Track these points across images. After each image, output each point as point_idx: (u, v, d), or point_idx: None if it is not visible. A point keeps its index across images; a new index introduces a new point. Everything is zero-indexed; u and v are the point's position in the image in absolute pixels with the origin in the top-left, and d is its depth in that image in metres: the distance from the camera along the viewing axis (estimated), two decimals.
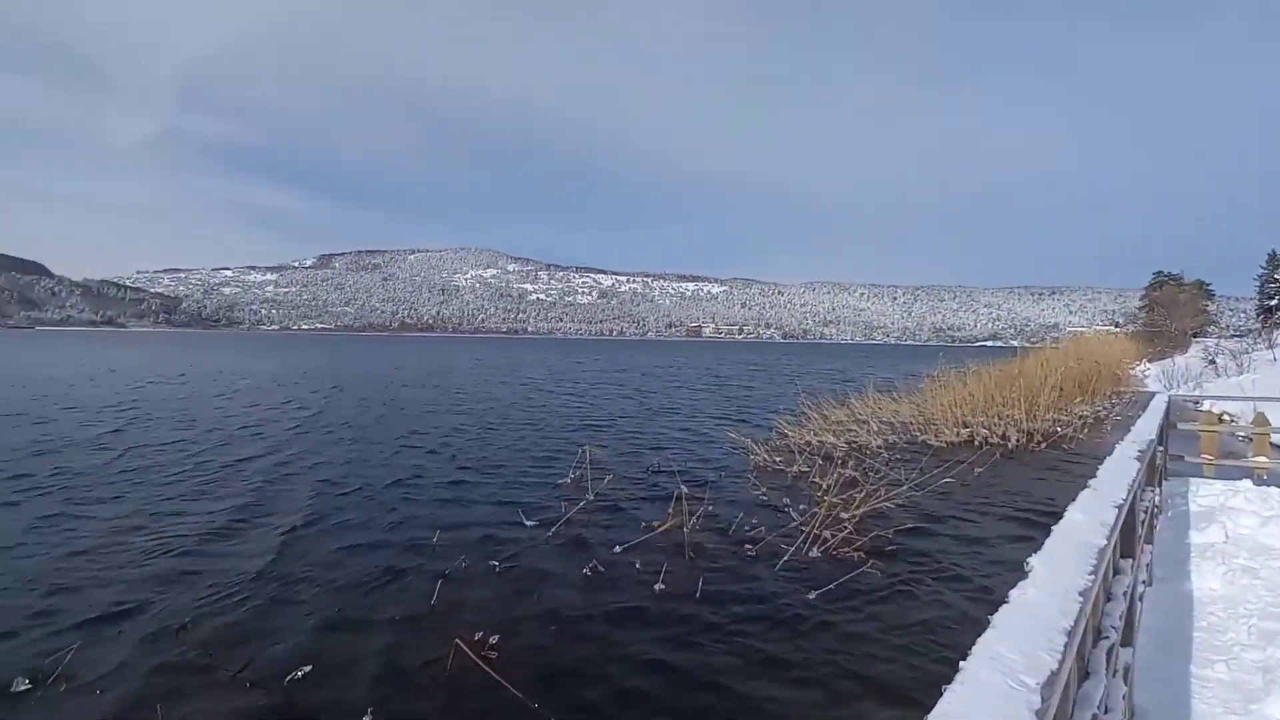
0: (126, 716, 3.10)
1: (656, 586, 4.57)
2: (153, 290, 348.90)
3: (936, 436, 10.25)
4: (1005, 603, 1.39)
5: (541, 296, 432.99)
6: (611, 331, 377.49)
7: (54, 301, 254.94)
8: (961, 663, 1.14)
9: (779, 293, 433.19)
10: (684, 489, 6.60)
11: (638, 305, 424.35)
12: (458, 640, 3.63)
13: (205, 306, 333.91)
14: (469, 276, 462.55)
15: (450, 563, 5.02)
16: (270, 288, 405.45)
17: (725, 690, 3.36)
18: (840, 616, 4.18)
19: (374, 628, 4.00)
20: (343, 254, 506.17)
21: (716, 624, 4.08)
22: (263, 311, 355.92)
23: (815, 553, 5.20)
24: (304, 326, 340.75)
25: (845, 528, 5.53)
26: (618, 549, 5.35)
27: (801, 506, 6.53)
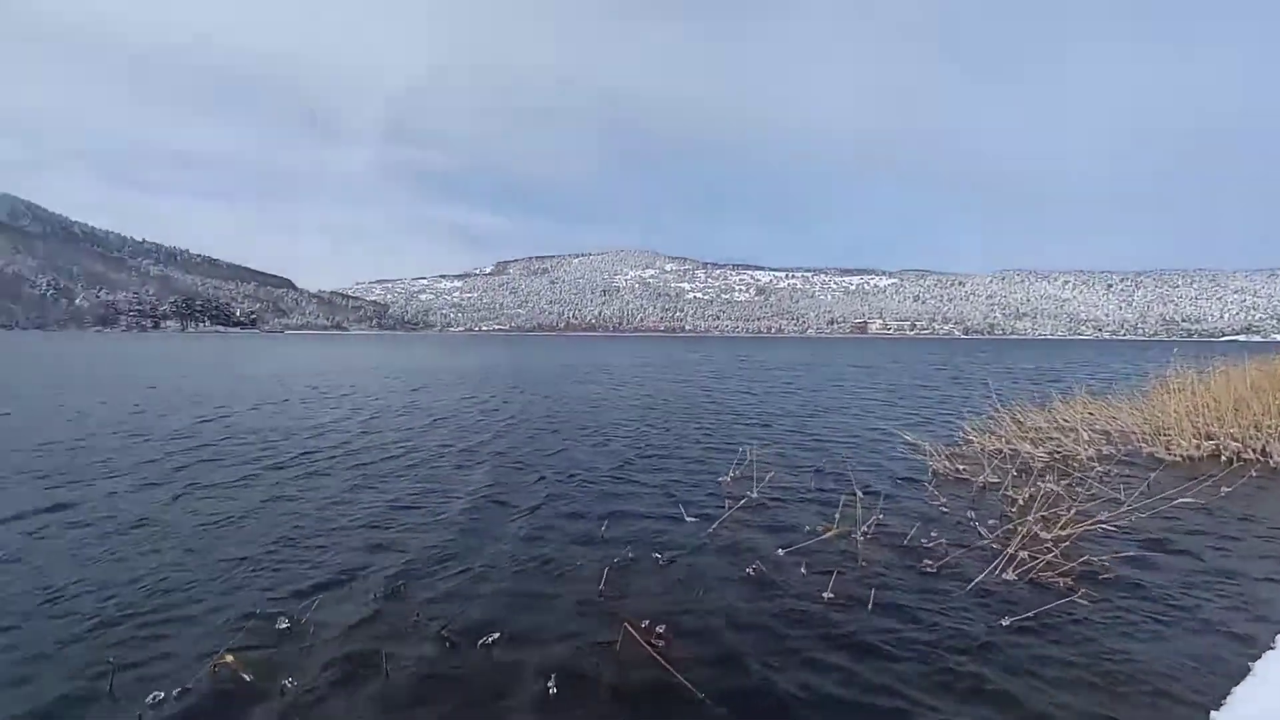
0: (357, 654, 3.69)
1: (825, 594, 4.42)
2: (367, 299, 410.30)
3: (1168, 449, 8.64)
4: (1271, 649, 1.16)
5: (698, 295, 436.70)
6: (769, 329, 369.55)
7: (297, 310, 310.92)
8: (1214, 713, 0.98)
9: (959, 284, 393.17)
10: (853, 493, 6.30)
11: (797, 302, 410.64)
12: (626, 624, 3.83)
13: (407, 311, 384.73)
14: (628, 277, 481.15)
15: (615, 551, 5.29)
16: (457, 294, 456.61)
17: (904, 710, 3.17)
18: (1040, 645, 3.73)
19: (552, 605, 4.35)
20: (516, 260, 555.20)
21: (893, 639, 3.86)
22: (451, 315, 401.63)
23: (1010, 575, 4.67)
24: (484, 327, 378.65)
25: (1048, 549, 4.89)
26: (781, 551, 5.25)
27: (991, 522, 5.91)
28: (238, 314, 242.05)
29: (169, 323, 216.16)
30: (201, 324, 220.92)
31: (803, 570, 4.86)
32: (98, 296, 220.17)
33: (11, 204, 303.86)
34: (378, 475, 8.11)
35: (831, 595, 4.40)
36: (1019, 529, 5.22)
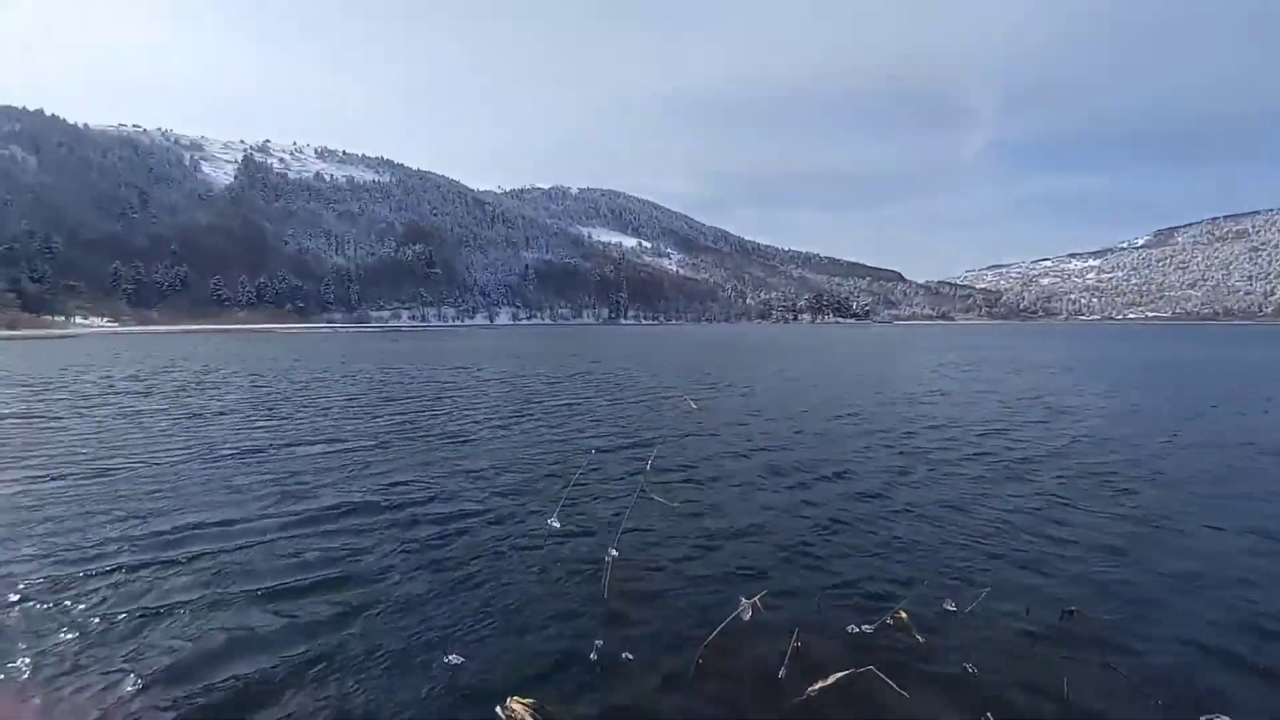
0: (1033, 666, 3.44)
1: None
2: (977, 286, 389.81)
3: None
4: None
5: None
6: None
7: (905, 301, 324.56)
8: None
9: None
10: None
11: None
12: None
13: (1023, 298, 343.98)
14: None
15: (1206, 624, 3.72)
16: (1091, 275, 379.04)
17: None
18: None
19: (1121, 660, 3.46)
20: (1187, 226, 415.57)
21: None
22: (1082, 300, 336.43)
23: None
24: (1129, 315, 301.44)
25: None
26: None
27: None
28: (854, 307, 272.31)
29: (804, 315, 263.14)
30: (826, 316, 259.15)
31: None
32: (759, 296, 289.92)
33: (713, 233, 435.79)
34: (1049, 478, 7.52)
35: None
36: None
